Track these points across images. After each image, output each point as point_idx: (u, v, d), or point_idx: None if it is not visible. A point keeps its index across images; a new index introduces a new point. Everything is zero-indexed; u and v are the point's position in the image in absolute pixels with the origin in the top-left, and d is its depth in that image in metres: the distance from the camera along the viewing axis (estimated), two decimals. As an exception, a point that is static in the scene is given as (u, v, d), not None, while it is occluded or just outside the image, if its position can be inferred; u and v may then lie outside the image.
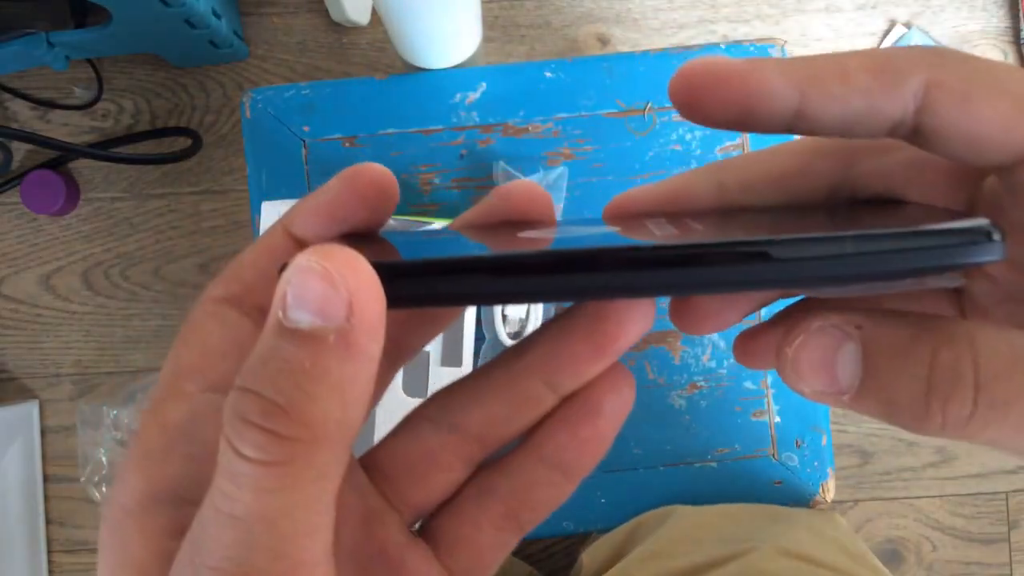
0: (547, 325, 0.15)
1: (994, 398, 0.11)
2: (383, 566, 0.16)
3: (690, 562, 0.42)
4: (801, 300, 0.16)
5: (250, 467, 0.11)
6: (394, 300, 0.12)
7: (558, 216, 0.18)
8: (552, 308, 0.44)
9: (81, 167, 0.62)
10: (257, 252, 0.15)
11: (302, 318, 0.11)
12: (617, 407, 0.15)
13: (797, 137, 0.14)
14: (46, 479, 0.62)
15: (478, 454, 0.16)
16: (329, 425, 0.11)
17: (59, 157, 0.61)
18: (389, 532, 0.16)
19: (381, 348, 0.12)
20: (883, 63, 0.12)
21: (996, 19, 0.63)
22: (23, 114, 0.63)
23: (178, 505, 0.13)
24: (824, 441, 0.52)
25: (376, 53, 0.62)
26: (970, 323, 0.12)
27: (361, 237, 0.15)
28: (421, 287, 0.12)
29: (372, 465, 0.16)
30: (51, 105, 0.62)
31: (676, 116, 0.56)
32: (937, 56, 0.12)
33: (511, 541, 0.16)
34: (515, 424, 0.16)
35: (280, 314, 0.11)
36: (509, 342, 0.45)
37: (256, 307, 0.14)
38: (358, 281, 0.11)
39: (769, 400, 0.49)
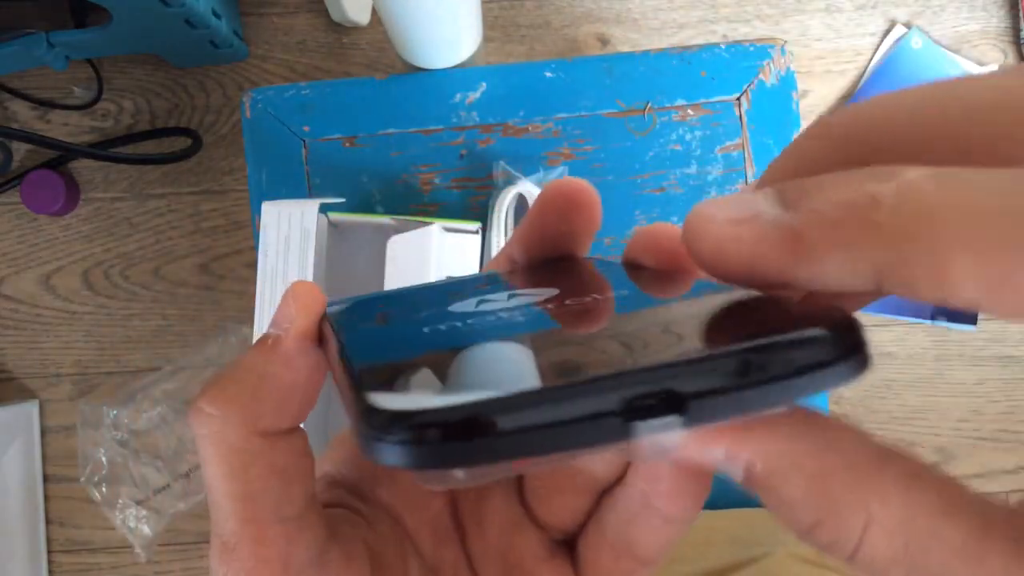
0: None
1: None
2: (520, 575, 0.17)
3: (701, 568, 0.42)
4: None
5: (198, 440, 0.14)
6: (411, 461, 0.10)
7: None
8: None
9: (81, 167, 0.62)
10: (496, 264, 0.18)
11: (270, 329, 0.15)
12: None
13: None
14: (46, 479, 0.62)
15: (585, 483, 0.16)
16: (234, 408, 0.14)
17: (59, 157, 0.61)
18: (529, 544, 0.17)
19: (308, 361, 0.14)
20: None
21: (996, 19, 0.63)
22: (23, 114, 0.63)
23: None
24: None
25: (376, 53, 0.62)
26: None
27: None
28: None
29: (527, 479, 0.17)
30: (51, 105, 0.62)
31: (676, 116, 0.56)
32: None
33: (643, 572, 0.16)
34: (608, 457, 0.16)
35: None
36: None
37: None
38: (295, 305, 0.14)
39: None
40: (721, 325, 0.12)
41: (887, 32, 0.63)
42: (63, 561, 0.62)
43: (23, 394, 0.62)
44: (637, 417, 0.10)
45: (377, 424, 0.10)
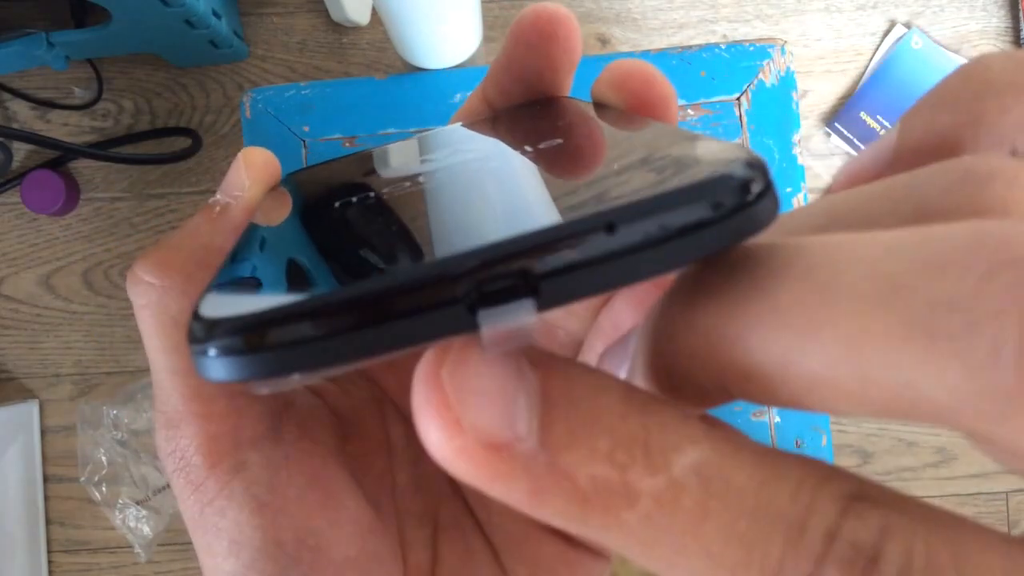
0: None
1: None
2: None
3: None
4: None
5: (137, 312, 0.14)
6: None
7: None
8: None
9: (81, 167, 0.62)
10: (460, 115, 0.18)
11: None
12: None
13: None
14: (46, 479, 0.62)
15: (564, 339, 0.16)
16: (175, 277, 0.13)
17: (59, 157, 0.61)
18: None
19: (242, 220, 0.14)
20: None
21: (996, 19, 0.63)
22: (23, 114, 0.63)
23: None
24: (824, 441, 0.52)
25: (376, 53, 0.62)
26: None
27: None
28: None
29: None
30: (51, 105, 0.62)
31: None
32: None
33: None
34: (583, 315, 0.16)
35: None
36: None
37: None
38: (247, 172, 0.14)
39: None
40: (616, 181, 0.10)
41: (887, 32, 0.62)
42: (63, 561, 0.62)
43: (23, 394, 0.62)
44: (483, 304, 0.08)
45: (196, 334, 0.09)
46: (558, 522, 0.08)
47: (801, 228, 0.10)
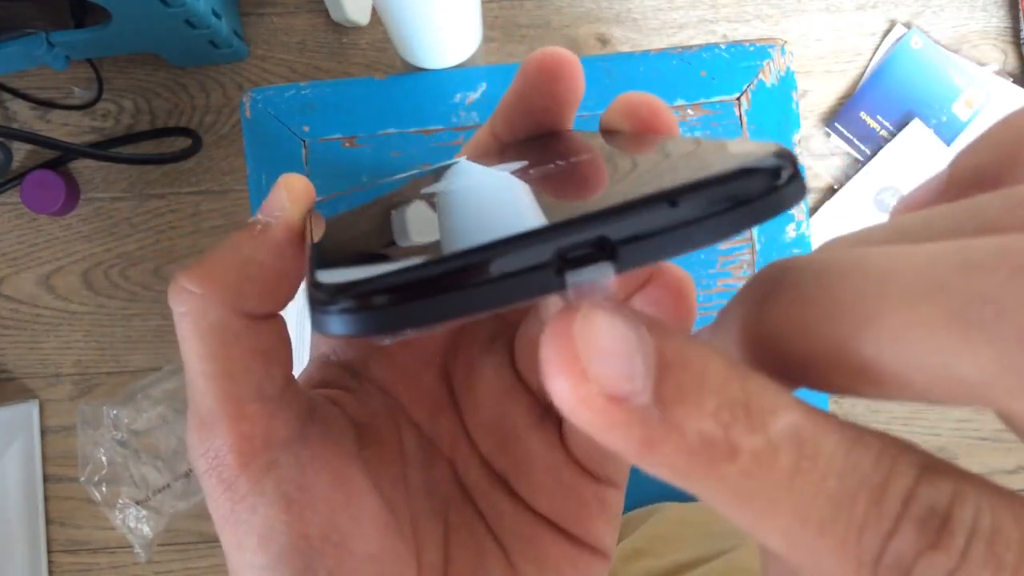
0: None
1: None
2: (514, 443, 0.17)
3: (673, 561, 0.42)
4: None
5: (177, 319, 0.14)
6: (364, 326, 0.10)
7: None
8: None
9: (81, 167, 0.62)
10: (469, 149, 0.19)
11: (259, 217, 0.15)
12: None
13: None
14: (46, 479, 0.62)
15: None
16: (217, 287, 0.14)
17: (59, 157, 0.61)
18: (520, 411, 0.17)
19: (294, 251, 0.15)
20: None
21: (996, 19, 0.63)
22: (23, 114, 0.63)
23: None
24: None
25: (376, 53, 0.62)
26: None
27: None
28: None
29: (517, 343, 0.18)
30: (51, 105, 0.62)
31: (676, 116, 0.56)
32: None
33: None
34: None
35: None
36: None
37: None
38: (288, 195, 0.15)
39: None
40: (663, 171, 0.12)
41: (887, 32, 0.62)
42: (63, 561, 0.62)
43: (23, 394, 0.62)
44: (570, 267, 0.10)
45: (320, 298, 0.10)
46: (664, 472, 0.09)
47: (870, 242, 0.11)
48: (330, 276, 0.11)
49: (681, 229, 0.10)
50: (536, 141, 0.18)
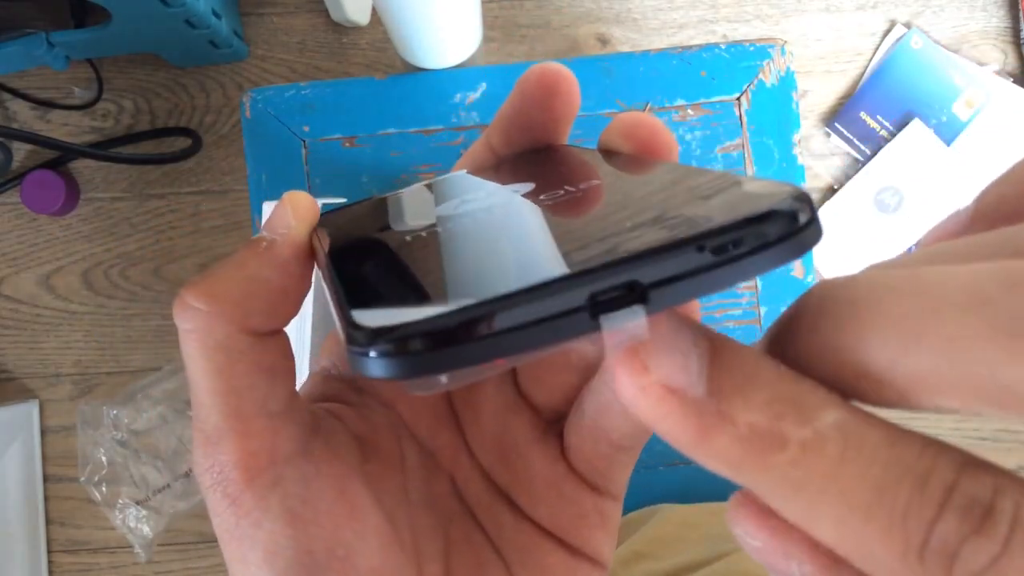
0: None
1: None
2: (515, 457, 0.17)
3: (674, 564, 0.42)
4: None
5: (182, 336, 0.14)
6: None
7: None
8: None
9: (81, 167, 0.62)
10: (466, 162, 0.19)
11: (263, 232, 0.15)
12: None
13: None
14: (46, 479, 0.62)
15: (577, 362, 0.17)
16: (223, 304, 0.14)
17: (59, 157, 0.61)
18: (522, 426, 0.17)
19: (299, 268, 0.15)
20: None
21: (996, 19, 0.63)
22: (23, 114, 0.63)
23: None
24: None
25: (376, 53, 0.62)
26: None
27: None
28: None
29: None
30: (51, 105, 0.62)
31: (676, 116, 0.56)
32: None
33: (620, 458, 0.17)
34: None
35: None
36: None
37: None
38: (293, 213, 0.15)
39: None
40: (682, 209, 0.12)
41: (887, 32, 0.63)
42: (63, 561, 0.62)
43: (23, 394, 0.62)
44: (603, 310, 0.10)
45: (361, 341, 0.10)
46: (716, 462, 0.10)
47: (909, 265, 0.11)
48: (368, 318, 0.11)
49: (709, 272, 0.11)
50: (535, 155, 0.18)
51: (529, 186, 0.16)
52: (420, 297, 0.12)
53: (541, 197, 0.15)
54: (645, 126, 0.16)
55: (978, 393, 0.09)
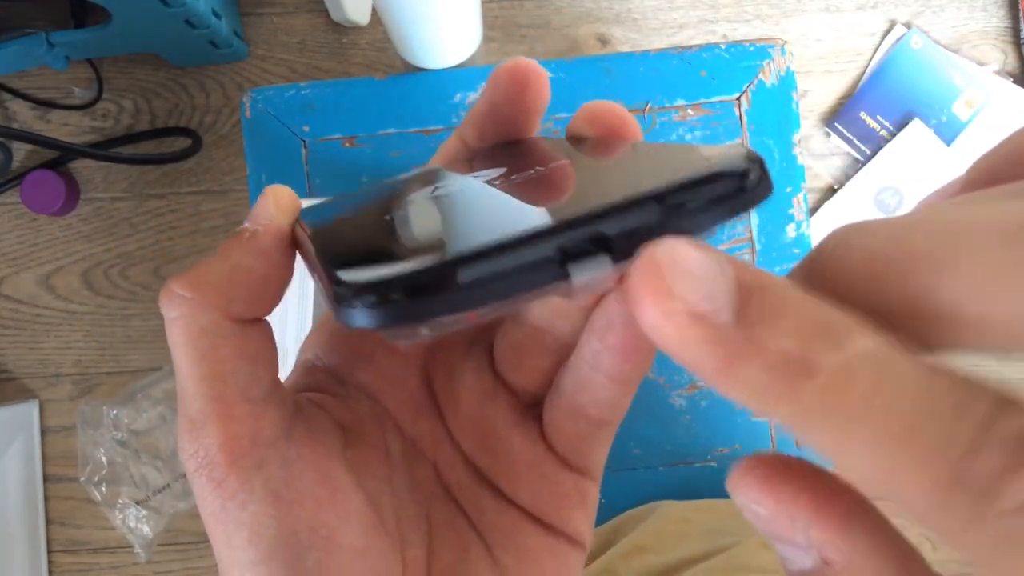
0: None
1: None
2: (496, 440, 0.18)
3: (675, 557, 0.42)
4: None
5: (168, 324, 0.15)
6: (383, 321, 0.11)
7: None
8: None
9: (81, 167, 0.62)
10: (440, 157, 0.19)
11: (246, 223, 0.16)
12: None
13: None
14: (46, 479, 0.62)
15: (552, 343, 0.17)
16: (207, 291, 0.14)
17: (59, 157, 0.61)
18: (501, 411, 0.18)
19: (281, 257, 0.15)
20: None
21: (996, 19, 0.63)
22: (23, 114, 0.63)
23: None
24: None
25: (376, 53, 0.62)
26: None
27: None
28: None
29: (497, 346, 0.18)
30: (51, 105, 0.62)
31: (676, 116, 0.56)
32: None
33: (598, 435, 0.17)
34: (572, 317, 0.17)
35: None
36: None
37: None
38: (274, 204, 0.16)
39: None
40: (645, 174, 0.13)
41: (887, 32, 0.63)
42: (63, 561, 0.62)
43: (23, 394, 0.62)
44: (571, 260, 0.11)
45: (348, 295, 0.11)
46: (742, 391, 0.10)
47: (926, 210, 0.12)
48: (352, 275, 0.11)
49: (667, 223, 0.11)
50: (506, 147, 0.19)
51: (502, 169, 0.16)
52: (400, 257, 0.12)
53: (513, 177, 0.16)
54: (612, 113, 0.17)
55: (1006, 327, 0.09)
